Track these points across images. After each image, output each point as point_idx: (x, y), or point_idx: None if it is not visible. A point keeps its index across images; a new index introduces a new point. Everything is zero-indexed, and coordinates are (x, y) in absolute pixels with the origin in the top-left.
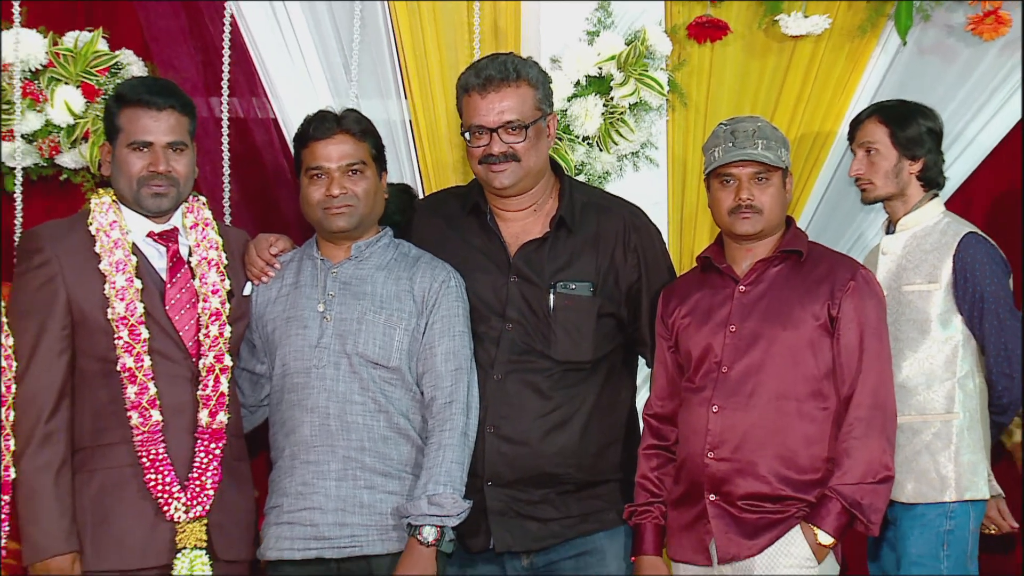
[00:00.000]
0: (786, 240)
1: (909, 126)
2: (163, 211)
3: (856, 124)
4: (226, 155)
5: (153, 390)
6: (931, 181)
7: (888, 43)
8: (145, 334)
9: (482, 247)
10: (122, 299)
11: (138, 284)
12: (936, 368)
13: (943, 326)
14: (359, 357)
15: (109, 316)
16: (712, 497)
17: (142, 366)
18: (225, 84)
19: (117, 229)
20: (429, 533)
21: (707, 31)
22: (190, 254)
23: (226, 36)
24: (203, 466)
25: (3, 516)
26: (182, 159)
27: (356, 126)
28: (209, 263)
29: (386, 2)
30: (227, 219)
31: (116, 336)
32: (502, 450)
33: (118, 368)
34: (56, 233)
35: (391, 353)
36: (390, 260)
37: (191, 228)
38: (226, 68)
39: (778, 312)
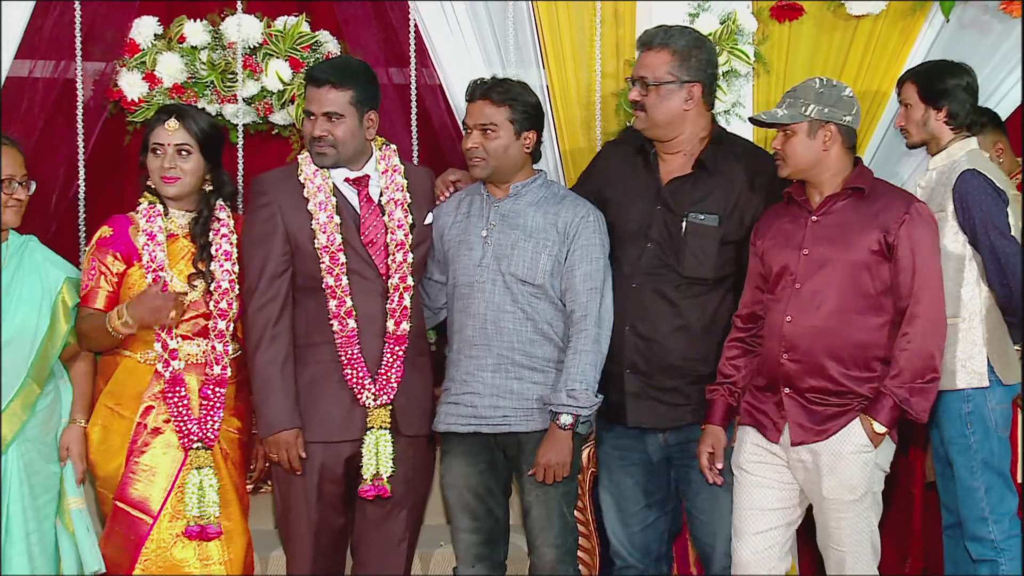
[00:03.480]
0: (851, 178)
1: (933, 82)
2: (324, 166)
3: (898, 85)
4: (414, 114)
5: (350, 303)
6: (960, 124)
7: (934, 20)
8: (343, 259)
9: (643, 180)
10: (324, 232)
11: (337, 220)
12: (946, 280)
13: (951, 245)
14: (511, 275)
15: (315, 245)
16: (787, 390)
17: (341, 284)
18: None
19: (320, 176)
20: (566, 419)
21: (786, 12)
22: (380, 194)
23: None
24: (389, 364)
25: (220, 405)
26: (339, 125)
27: (495, 94)
28: (395, 203)
29: None
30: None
31: (320, 261)
32: (637, 345)
33: (323, 286)
34: (276, 179)
35: (536, 273)
36: (541, 198)
37: (382, 173)
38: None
39: (842, 239)
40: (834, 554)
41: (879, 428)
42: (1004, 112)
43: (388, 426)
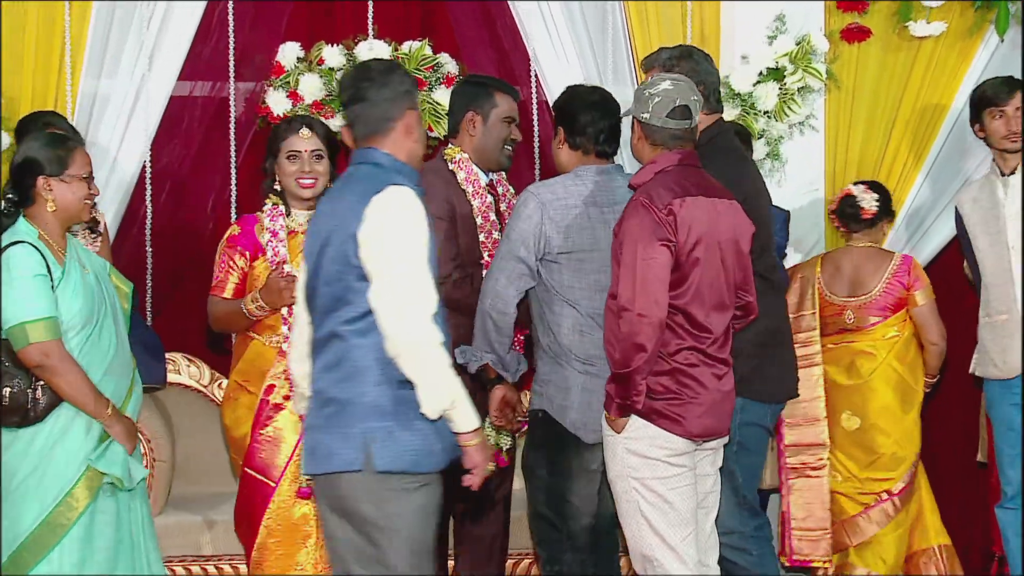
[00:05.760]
0: (634, 176)
1: None
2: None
3: (1011, 94)
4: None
5: None
6: None
7: (989, 41)
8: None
9: None
10: (496, 230)
11: (496, 220)
12: None
13: None
14: None
15: (481, 239)
16: None
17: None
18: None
19: (479, 179)
20: None
21: (855, 34)
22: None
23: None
24: (517, 349)
25: None
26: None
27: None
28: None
29: (622, 9)
30: None
31: (484, 253)
32: None
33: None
34: (437, 171)
35: None
36: None
37: (496, 183)
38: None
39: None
40: None
41: (607, 413)
42: None
43: None
